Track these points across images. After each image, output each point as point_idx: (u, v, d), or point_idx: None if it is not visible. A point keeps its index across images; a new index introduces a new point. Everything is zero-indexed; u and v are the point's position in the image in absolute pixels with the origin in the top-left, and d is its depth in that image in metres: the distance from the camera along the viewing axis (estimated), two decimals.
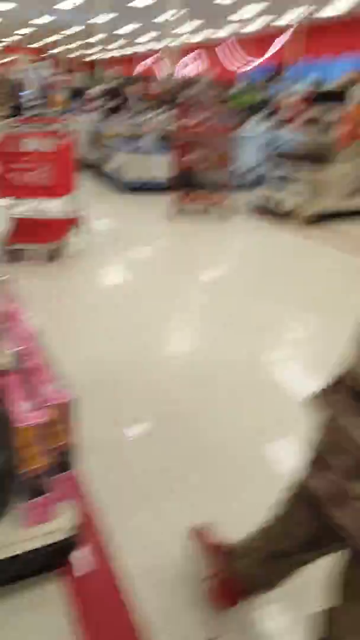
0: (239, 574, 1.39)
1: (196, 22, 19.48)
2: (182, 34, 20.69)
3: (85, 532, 1.66)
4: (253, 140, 8.07)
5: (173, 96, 9.69)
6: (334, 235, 5.78)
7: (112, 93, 10.67)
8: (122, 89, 11.07)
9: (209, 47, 19.88)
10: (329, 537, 1.08)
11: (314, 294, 4.04)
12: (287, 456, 2.07)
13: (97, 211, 7.00)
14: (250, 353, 3.06)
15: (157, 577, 1.61)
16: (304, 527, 1.19)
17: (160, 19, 14.97)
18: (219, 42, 22.18)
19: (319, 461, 1.09)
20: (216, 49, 22.23)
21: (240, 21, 17.93)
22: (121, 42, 25.46)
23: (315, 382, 1.14)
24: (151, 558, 1.67)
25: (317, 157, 6.09)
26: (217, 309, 3.78)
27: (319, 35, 17.11)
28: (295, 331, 3.46)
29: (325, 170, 6.13)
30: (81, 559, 1.65)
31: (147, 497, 1.93)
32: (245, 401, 2.59)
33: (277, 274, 4.61)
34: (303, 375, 2.84)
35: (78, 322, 3.49)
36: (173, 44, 12.86)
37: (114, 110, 9.98)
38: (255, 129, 8.31)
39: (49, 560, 1.58)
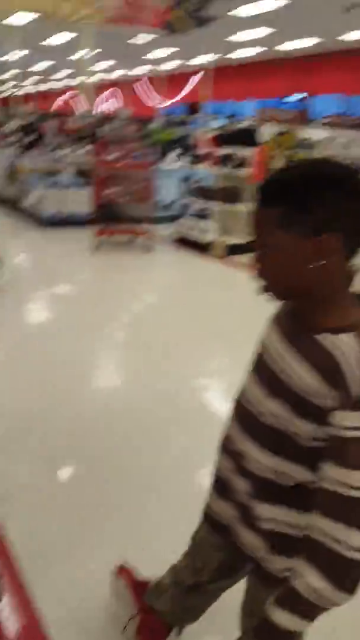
0: (160, 611, 1.39)
1: (110, 62, 20.05)
2: (97, 72, 21.17)
3: (5, 583, 1.58)
4: (172, 174, 8.35)
5: (91, 131, 9.84)
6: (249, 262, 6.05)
7: (28, 128, 10.63)
8: (38, 125, 11.07)
9: (126, 84, 20.46)
10: (240, 559, 1.11)
11: (235, 322, 4.19)
12: None
13: (16, 247, 6.87)
14: (175, 383, 3.11)
15: (82, 624, 1.56)
16: (216, 554, 1.21)
17: (74, 56, 15.21)
18: (135, 79, 22.92)
19: (221, 484, 1.13)
20: (134, 86, 22.92)
21: (153, 61, 18.65)
22: (35, 78, 25.54)
23: None
24: (77, 605, 1.62)
25: (229, 193, 6.42)
26: (141, 342, 3.81)
27: (225, 78, 18.18)
28: (221, 359, 3.56)
29: (237, 205, 6.47)
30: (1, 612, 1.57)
31: (72, 542, 1.88)
32: (173, 431, 2.61)
33: (199, 304, 4.75)
34: (228, 402, 2.93)
35: None
36: (88, 80, 13.08)
37: (31, 145, 9.93)
38: (174, 164, 8.61)
39: None
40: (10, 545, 1.82)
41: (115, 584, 1.56)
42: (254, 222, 0.94)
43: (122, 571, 1.58)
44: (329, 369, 0.87)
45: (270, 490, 0.98)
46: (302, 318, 0.95)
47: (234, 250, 6.32)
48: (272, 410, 0.96)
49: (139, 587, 1.50)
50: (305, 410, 0.91)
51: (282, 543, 1.00)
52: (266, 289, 0.96)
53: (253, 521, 1.03)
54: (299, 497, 0.96)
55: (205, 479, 2.18)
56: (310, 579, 0.85)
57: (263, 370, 1.01)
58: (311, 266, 0.87)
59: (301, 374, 0.91)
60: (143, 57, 17.88)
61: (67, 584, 1.70)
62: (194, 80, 19.40)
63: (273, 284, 0.95)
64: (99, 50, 14.72)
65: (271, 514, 0.99)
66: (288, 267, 0.90)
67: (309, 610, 0.88)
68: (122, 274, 5.66)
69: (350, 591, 0.85)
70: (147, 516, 2.01)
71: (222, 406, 2.89)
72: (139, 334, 4.00)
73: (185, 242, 6.83)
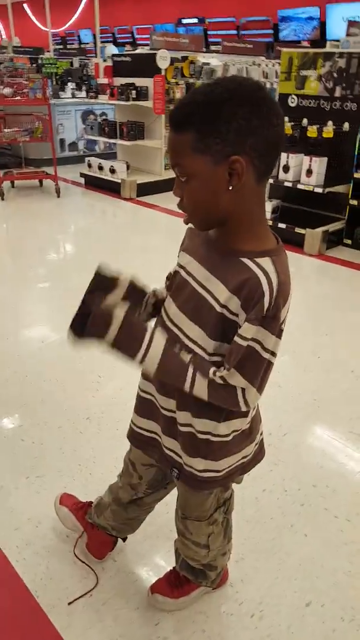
0: (103, 526, 1.53)
1: None
2: None
3: None
4: (72, 109, 7.83)
5: None
6: (160, 201, 6.00)
7: None
8: None
9: (12, 7, 18.25)
10: (168, 469, 1.23)
11: (153, 262, 4.23)
12: None
13: None
14: None
15: (40, 545, 1.67)
16: (148, 470, 1.33)
17: None
18: (24, 2, 20.49)
19: (145, 405, 1.22)
20: (25, 6, 20.51)
21: None
22: None
23: None
24: (32, 530, 1.72)
25: (135, 128, 6.17)
26: (63, 287, 3.76)
27: (116, 2, 16.78)
28: None
29: (145, 141, 6.26)
30: None
31: (20, 476, 1.95)
32: (105, 370, 2.68)
33: (116, 246, 4.71)
34: None
35: None
36: None
37: None
38: (73, 99, 8.05)
39: None
40: None
41: (60, 512, 1.68)
42: (170, 149, 0.91)
43: (63, 499, 1.70)
44: (250, 289, 0.90)
45: (187, 402, 1.07)
46: (220, 244, 0.97)
47: (145, 189, 6.21)
48: (195, 334, 1.02)
49: (81, 510, 1.63)
50: (222, 328, 0.97)
51: (198, 446, 1.10)
52: (188, 220, 0.98)
53: (175, 429, 1.13)
54: (210, 408, 1.04)
55: (131, 405, 2.32)
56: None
57: (183, 294, 1.03)
58: (225, 191, 0.87)
59: (223, 295, 0.94)
60: None
61: (19, 514, 1.79)
62: (84, 2, 17.72)
63: (192, 213, 0.94)
64: None
65: (189, 420, 1.09)
66: (204, 194, 0.89)
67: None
68: (34, 220, 5.41)
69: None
70: (87, 444, 2.12)
71: None
72: (60, 279, 3.93)
73: (95, 183, 6.59)
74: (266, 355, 0.94)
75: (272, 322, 0.91)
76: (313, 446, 2.16)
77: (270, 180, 4.83)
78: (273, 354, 0.95)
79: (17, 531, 1.73)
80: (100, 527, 1.54)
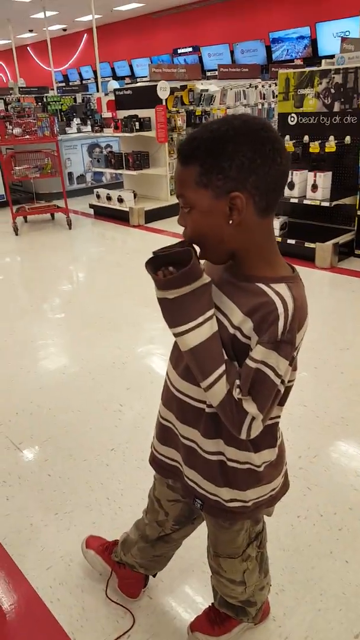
0: (131, 564, 1.47)
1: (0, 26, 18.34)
2: None
3: None
4: (78, 144, 7.98)
5: None
6: (168, 226, 6.03)
7: None
8: None
9: (16, 51, 18.86)
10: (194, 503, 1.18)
11: None
12: None
13: None
14: (122, 352, 3.12)
15: (74, 584, 1.62)
16: (174, 505, 1.28)
17: None
18: (23, 46, 21.19)
19: (164, 432, 1.18)
20: (27, 49, 21.20)
21: (37, 24, 17.25)
22: None
23: None
24: (64, 569, 1.67)
25: (140, 157, 6.24)
26: (79, 318, 3.76)
27: (113, 38, 17.22)
28: (160, 324, 3.60)
29: (150, 170, 6.32)
30: None
31: (48, 513, 1.91)
32: (127, 398, 2.65)
33: (128, 274, 4.72)
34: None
35: None
36: None
37: None
38: (79, 133, 8.21)
39: None
40: None
41: (87, 555, 1.62)
42: (176, 180, 0.92)
43: (89, 542, 1.64)
44: (264, 312, 0.88)
45: (211, 428, 1.03)
46: (235, 270, 0.96)
47: (153, 215, 6.24)
48: None
49: (106, 550, 1.57)
50: (233, 351, 0.94)
51: (225, 474, 1.06)
52: (200, 257, 0.94)
53: (194, 459, 1.08)
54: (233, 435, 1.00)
55: None
56: None
57: None
58: (227, 225, 0.88)
59: (237, 317, 0.92)
60: (29, 18, 16.46)
61: (50, 553, 1.74)
62: (83, 41, 18.27)
63: (198, 245, 0.93)
64: None
65: (214, 448, 1.04)
66: (205, 225, 0.89)
67: None
68: (48, 252, 5.46)
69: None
70: (113, 477, 2.07)
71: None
72: (76, 309, 3.94)
73: (104, 213, 6.65)
74: (277, 381, 0.91)
75: (286, 347, 0.88)
76: (346, 467, 2.07)
77: (295, 200, 4.79)
78: (283, 381, 0.92)
79: (49, 570, 1.67)
80: (128, 565, 1.49)
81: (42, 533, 1.82)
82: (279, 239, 4.71)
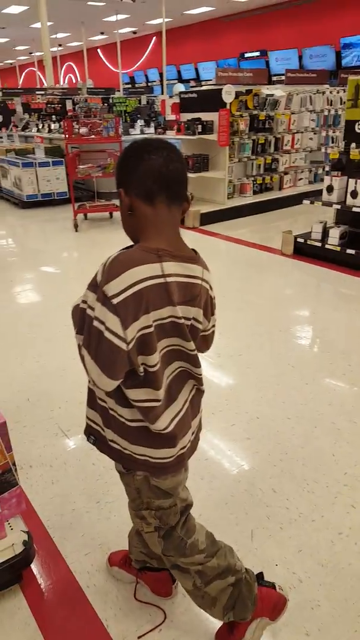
0: (141, 560, 1.51)
1: (67, 33, 19.01)
2: (56, 43, 20.09)
3: (36, 544, 1.67)
4: None
5: (58, 106, 9.46)
6: (222, 229, 6.03)
7: None
8: (6, 103, 10.62)
9: (87, 52, 19.47)
10: None
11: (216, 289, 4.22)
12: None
13: (1, 230, 6.74)
14: None
15: (108, 573, 1.66)
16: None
17: (36, 25, 14.30)
18: (93, 48, 21.83)
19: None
20: (98, 51, 21.85)
21: (109, 27, 17.73)
22: None
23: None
24: (101, 558, 1.72)
25: (199, 160, 6.29)
26: None
27: (182, 40, 17.40)
28: None
29: (208, 172, 6.36)
30: (35, 571, 1.66)
31: (90, 501, 1.97)
32: None
33: None
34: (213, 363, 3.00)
35: None
36: (49, 52, 12.44)
37: (1, 125, 9.57)
38: (142, 135, 8.38)
39: (5, 577, 1.57)
40: (36, 510, 1.91)
41: (113, 572, 1.66)
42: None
43: (111, 559, 1.68)
44: None
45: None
46: None
47: (208, 218, 6.27)
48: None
49: (127, 562, 1.61)
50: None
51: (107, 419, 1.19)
52: None
53: (94, 403, 1.24)
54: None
55: (203, 431, 2.29)
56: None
57: None
58: (126, 214, 1.10)
59: None
60: (101, 21, 16.96)
61: (90, 539, 1.79)
62: (151, 44, 18.59)
63: (129, 237, 1.16)
64: (54, 22, 13.91)
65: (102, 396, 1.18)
66: (122, 217, 1.13)
67: None
68: (104, 250, 5.57)
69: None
70: None
71: (213, 370, 2.96)
72: None
73: None
74: (98, 325, 1.01)
75: (99, 293, 1.01)
76: None
77: (337, 206, 4.72)
78: (108, 329, 1.00)
79: (87, 556, 1.73)
80: (141, 563, 1.53)
81: (83, 519, 1.88)
82: (338, 249, 4.61)
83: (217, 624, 1.46)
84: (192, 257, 1.12)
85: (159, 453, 1.18)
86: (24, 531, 1.63)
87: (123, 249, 1.09)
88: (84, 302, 1.06)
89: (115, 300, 0.99)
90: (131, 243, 1.15)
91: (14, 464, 1.53)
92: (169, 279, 1.03)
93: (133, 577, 1.59)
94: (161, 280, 1.02)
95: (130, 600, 1.56)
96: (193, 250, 1.15)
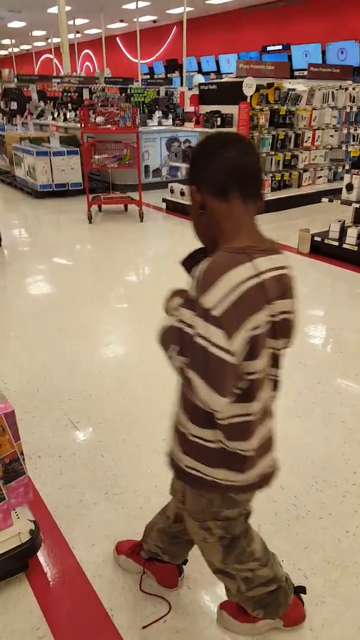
0: (153, 552, 1.54)
1: (85, 20, 19.02)
2: (74, 30, 20.10)
3: (43, 533, 1.71)
4: (157, 137, 8.15)
5: (75, 94, 9.50)
6: None
7: (11, 94, 10.26)
8: (21, 89, 10.68)
9: (101, 42, 19.49)
10: None
11: None
12: None
13: (14, 219, 6.81)
14: None
15: (114, 564, 1.70)
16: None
17: (53, 9, 14.30)
18: (112, 36, 21.83)
19: None
20: (117, 39, 21.83)
21: (129, 14, 17.72)
22: (9, 41, 24.27)
23: None
24: (107, 549, 1.76)
25: None
26: (141, 309, 3.88)
27: (203, 31, 17.33)
28: None
29: None
30: (41, 560, 1.71)
31: (98, 491, 2.01)
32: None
33: None
34: None
35: (8, 335, 3.44)
36: (66, 39, 12.46)
37: (15, 112, 9.62)
38: (158, 126, 8.38)
39: (10, 565, 1.62)
40: (44, 500, 1.95)
41: (119, 560, 1.70)
42: None
43: (119, 548, 1.72)
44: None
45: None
46: None
47: None
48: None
49: (135, 551, 1.65)
50: None
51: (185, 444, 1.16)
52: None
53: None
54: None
55: None
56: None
57: None
58: (198, 213, 1.06)
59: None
60: (121, 8, 16.94)
61: (97, 530, 1.83)
62: (171, 35, 18.54)
63: (199, 238, 1.12)
64: (71, 7, 13.91)
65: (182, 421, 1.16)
66: (193, 217, 1.08)
67: None
68: (118, 242, 5.65)
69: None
70: (163, 467, 2.13)
71: None
72: (138, 300, 4.06)
73: (176, 208, 6.76)
74: (198, 340, 0.95)
75: (199, 308, 0.96)
76: None
77: (357, 205, 4.71)
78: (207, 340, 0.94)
79: (94, 547, 1.77)
80: (152, 554, 1.56)
81: (90, 510, 1.92)
82: (355, 249, 4.60)
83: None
84: (275, 247, 1.07)
85: (242, 476, 1.15)
86: (30, 520, 1.67)
87: (196, 252, 1.11)
88: (180, 321, 1.01)
89: (215, 312, 0.93)
90: (199, 246, 1.14)
91: (22, 454, 1.57)
92: (263, 277, 0.99)
93: (140, 566, 1.63)
94: (257, 280, 0.97)
95: (136, 591, 1.60)
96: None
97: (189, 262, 1.14)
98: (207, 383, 0.96)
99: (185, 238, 6.06)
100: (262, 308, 0.99)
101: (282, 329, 1.08)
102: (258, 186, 1.05)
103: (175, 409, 1.19)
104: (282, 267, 1.05)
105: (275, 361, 1.12)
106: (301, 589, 1.47)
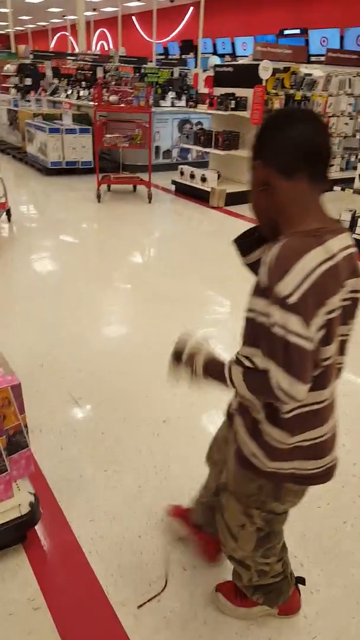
0: (200, 524, 1.54)
1: None
2: (90, 6, 19.69)
3: (42, 506, 1.70)
4: (170, 118, 8.01)
5: (89, 73, 9.31)
6: (248, 211, 5.94)
7: (26, 70, 10.09)
8: (36, 66, 10.49)
9: (116, 21, 19.11)
10: None
11: (233, 270, 4.19)
12: None
13: (23, 195, 6.73)
14: (179, 327, 3.16)
15: (114, 541, 1.69)
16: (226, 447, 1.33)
17: None
18: (128, 15, 21.39)
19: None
20: (133, 18, 21.40)
21: None
22: (25, 17, 23.82)
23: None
24: (107, 525, 1.75)
25: (230, 138, 6.17)
26: (145, 289, 3.83)
27: (219, 13, 16.93)
28: (221, 303, 3.60)
29: (237, 151, 6.24)
30: (39, 534, 1.70)
31: (96, 469, 2.00)
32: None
33: (199, 254, 4.72)
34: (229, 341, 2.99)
35: (14, 310, 3.42)
36: (82, 16, 12.20)
37: (29, 88, 9.46)
38: (172, 107, 8.23)
39: (9, 536, 1.61)
40: (44, 473, 1.94)
41: (168, 521, 1.70)
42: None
43: (173, 510, 1.71)
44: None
45: None
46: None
47: (234, 198, 6.18)
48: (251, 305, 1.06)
49: (187, 516, 1.64)
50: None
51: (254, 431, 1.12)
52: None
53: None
54: None
55: (210, 413, 2.30)
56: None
57: None
58: (259, 190, 1.01)
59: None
60: None
61: (95, 506, 1.82)
62: (187, 15, 18.13)
63: (256, 218, 1.09)
64: None
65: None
66: (253, 194, 1.04)
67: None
68: (125, 223, 5.58)
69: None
70: (162, 447, 2.12)
71: (226, 346, 2.96)
72: (143, 281, 4.01)
73: (185, 191, 6.67)
74: (275, 329, 0.93)
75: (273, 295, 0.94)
76: None
77: None
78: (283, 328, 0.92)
79: (92, 523, 1.76)
80: (202, 528, 1.56)
81: (89, 486, 1.91)
82: None
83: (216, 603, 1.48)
84: (341, 227, 1.04)
85: (309, 464, 1.12)
86: (30, 493, 1.66)
87: (249, 231, 1.11)
88: (251, 310, 1.00)
89: (291, 300, 0.90)
90: (251, 225, 1.12)
91: (25, 426, 1.55)
92: (336, 259, 0.96)
93: (187, 532, 1.63)
94: (331, 262, 0.94)
95: (131, 568, 1.59)
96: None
97: (241, 242, 1.14)
98: (289, 372, 0.93)
99: (192, 222, 5.99)
100: (337, 291, 0.96)
101: (350, 311, 1.04)
102: (327, 167, 1.00)
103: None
104: (350, 246, 1.02)
105: (341, 347, 1.08)
106: (300, 580, 1.46)
